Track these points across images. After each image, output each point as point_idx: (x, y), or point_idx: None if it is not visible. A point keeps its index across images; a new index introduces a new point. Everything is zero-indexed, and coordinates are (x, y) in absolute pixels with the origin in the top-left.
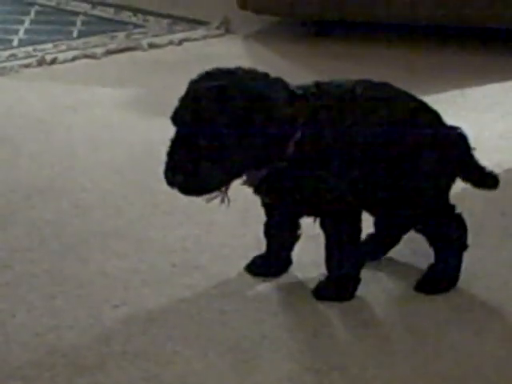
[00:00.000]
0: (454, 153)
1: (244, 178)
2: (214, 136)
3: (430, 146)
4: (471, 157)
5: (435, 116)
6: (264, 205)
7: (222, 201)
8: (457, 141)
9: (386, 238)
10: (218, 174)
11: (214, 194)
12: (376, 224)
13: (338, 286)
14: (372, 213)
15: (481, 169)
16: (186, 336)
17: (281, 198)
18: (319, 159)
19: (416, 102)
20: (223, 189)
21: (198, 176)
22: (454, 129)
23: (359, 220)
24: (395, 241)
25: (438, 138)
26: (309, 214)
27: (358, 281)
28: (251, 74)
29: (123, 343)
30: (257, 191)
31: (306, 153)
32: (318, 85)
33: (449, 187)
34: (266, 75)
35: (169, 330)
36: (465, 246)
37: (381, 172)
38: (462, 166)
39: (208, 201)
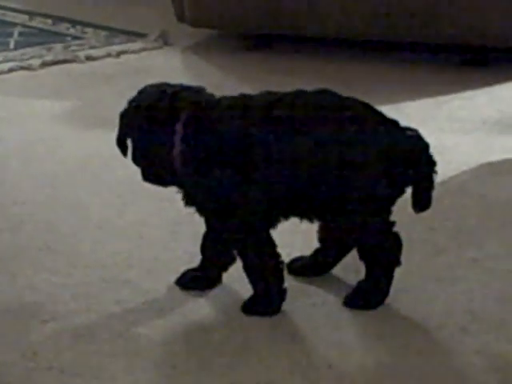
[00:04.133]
0: (404, 163)
1: None
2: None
3: (369, 156)
4: (430, 167)
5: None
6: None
7: None
8: (410, 149)
9: (330, 253)
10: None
11: None
12: (321, 239)
13: (262, 301)
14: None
15: (429, 189)
16: (112, 351)
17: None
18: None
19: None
20: None
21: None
22: (407, 134)
23: (267, 237)
24: (342, 254)
25: (380, 145)
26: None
27: (282, 294)
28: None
29: (50, 359)
30: None
31: (191, 166)
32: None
33: (392, 202)
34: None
35: (96, 346)
36: (397, 263)
37: (310, 185)
38: (416, 177)
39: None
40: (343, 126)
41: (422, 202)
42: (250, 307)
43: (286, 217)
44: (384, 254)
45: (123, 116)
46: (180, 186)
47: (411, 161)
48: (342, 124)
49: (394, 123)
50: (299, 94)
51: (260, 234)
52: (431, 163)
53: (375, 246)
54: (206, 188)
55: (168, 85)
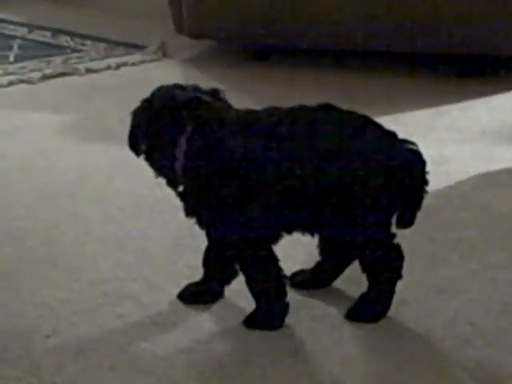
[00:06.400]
0: (402, 177)
1: None
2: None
3: (368, 171)
4: (422, 186)
5: (376, 138)
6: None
7: None
8: (408, 163)
9: (332, 265)
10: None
11: None
12: (321, 252)
13: (265, 315)
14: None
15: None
16: (115, 366)
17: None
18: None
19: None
20: None
21: None
22: (405, 147)
23: (270, 252)
24: (343, 267)
25: (380, 161)
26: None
27: (285, 308)
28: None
29: (52, 374)
30: None
31: (193, 180)
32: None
33: (392, 214)
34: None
35: (99, 361)
36: (399, 276)
37: (312, 200)
38: (408, 193)
39: None
40: (345, 142)
41: (406, 220)
42: (253, 321)
43: (289, 232)
44: (386, 266)
45: (134, 115)
46: (181, 195)
47: (407, 174)
48: (343, 139)
49: (394, 135)
50: (301, 111)
51: (263, 249)
52: (424, 182)
53: (377, 258)
54: (209, 203)
55: (181, 87)
